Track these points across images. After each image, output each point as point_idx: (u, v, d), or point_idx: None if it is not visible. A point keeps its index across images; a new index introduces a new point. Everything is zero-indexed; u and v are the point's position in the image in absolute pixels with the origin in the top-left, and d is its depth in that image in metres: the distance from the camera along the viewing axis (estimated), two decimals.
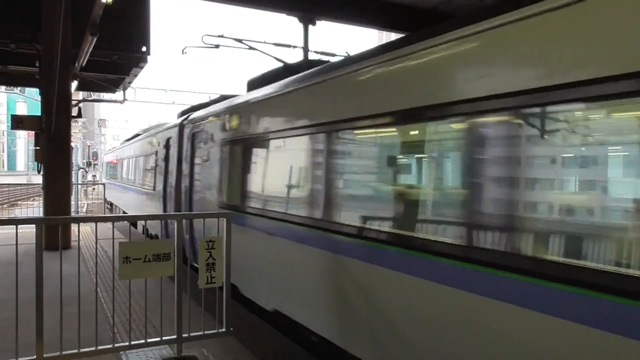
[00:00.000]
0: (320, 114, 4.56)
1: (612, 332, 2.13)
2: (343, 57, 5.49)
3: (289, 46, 12.14)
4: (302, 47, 12.15)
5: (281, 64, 7.59)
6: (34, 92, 20.10)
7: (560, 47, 2.49)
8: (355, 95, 4.12)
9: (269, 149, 5.63)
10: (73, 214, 14.80)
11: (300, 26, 12.09)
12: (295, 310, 4.82)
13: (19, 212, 22.40)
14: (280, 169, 5.39)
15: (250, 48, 10.72)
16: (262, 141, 5.74)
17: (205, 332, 4.40)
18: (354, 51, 5.73)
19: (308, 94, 4.87)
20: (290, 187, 5.14)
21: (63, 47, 8.47)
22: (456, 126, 3.14)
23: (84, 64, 10.46)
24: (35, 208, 20.72)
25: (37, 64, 10.75)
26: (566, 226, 2.51)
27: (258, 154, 5.93)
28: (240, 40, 10.49)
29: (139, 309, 4.85)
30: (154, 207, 10.73)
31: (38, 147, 9.81)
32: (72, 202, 14.00)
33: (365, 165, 4.26)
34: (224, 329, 4.47)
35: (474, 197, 2.92)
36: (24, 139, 69.16)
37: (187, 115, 9.23)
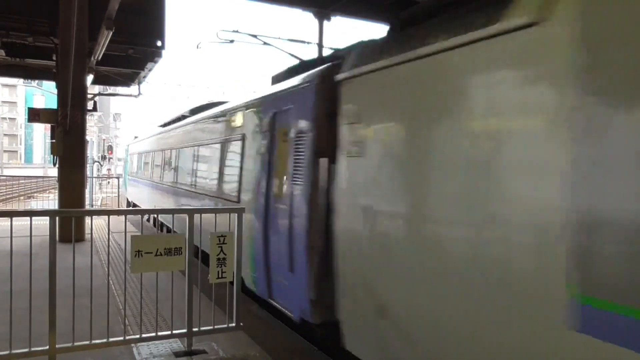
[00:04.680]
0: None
1: None
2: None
3: (303, 42, 12.09)
4: (317, 44, 12.09)
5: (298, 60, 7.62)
6: (51, 86, 20.33)
7: None
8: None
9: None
10: (87, 207, 14.99)
11: (315, 22, 12.03)
12: None
13: (34, 204, 22.75)
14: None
15: (265, 44, 10.71)
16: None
17: (216, 326, 4.41)
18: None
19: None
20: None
21: (79, 41, 8.55)
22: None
23: (99, 58, 10.55)
24: (51, 200, 21.02)
25: (54, 57, 10.86)
26: None
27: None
28: (255, 36, 10.48)
29: (150, 302, 4.88)
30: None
31: (54, 140, 9.92)
32: (87, 195, 14.17)
33: None
34: (234, 324, 4.48)
35: None
36: (41, 132, 70.22)
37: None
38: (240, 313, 4.49)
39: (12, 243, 3.69)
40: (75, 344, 3.85)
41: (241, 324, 4.51)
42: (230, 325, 4.47)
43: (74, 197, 9.91)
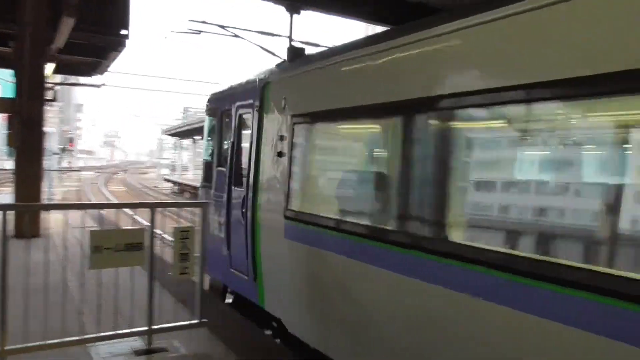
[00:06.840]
0: None
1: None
2: None
3: (272, 35, 11.97)
4: (287, 37, 11.99)
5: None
6: (7, 74, 19.42)
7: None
8: None
9: None
10: (46, 202, 14.45)
11: (286, 15, 11.92)
12: None
13: None
14: None
15: (235, 36, 10.54)
16: None
17: (177, 323, 4.30)
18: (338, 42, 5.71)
19: None
20: None
21: (36, 27, 8.21)
22: None
23: (61, 46, 10.16)
24: (6, 194, 20.16)
25: (9, 45, 10.39)
26: None
27: None
28: (223, 27, 10.30)
29: (110, 300, 4.72)
30: None
31: (10, 131, 9.50)
32: (46, 189, 13.65)
33: None
34: (196, 320, 4.38)
35: None
36: None
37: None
38: (204, 309, 4.40)
39: None
40: (28, 344, 3.67)
41: (204, 320, 4.41)
42: (192, 322, 4.37)
43: (30, 191, 9.49)
